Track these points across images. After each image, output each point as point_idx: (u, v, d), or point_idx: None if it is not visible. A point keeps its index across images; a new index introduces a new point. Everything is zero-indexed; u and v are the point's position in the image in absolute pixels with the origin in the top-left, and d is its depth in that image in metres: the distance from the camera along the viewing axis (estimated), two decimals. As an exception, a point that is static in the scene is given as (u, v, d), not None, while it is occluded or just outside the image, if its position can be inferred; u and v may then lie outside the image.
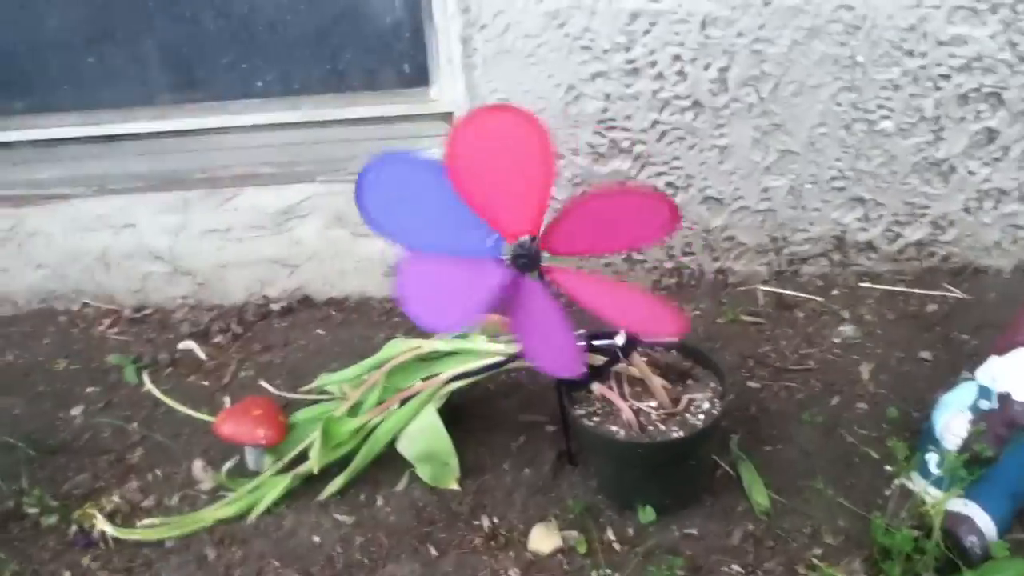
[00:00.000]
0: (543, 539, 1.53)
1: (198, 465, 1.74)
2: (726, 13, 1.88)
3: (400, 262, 1.42)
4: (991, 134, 1.98)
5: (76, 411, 1.94)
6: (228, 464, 1.71)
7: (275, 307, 2.23)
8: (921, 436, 1.58)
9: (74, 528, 1.63)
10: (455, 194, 1.39)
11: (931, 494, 1.49)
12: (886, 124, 1.98)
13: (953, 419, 1.49)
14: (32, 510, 1.67)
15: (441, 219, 1.43)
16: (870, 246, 2.13)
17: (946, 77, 1.92)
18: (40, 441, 1.83)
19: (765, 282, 2.17)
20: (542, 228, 1.40)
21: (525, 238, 1.39)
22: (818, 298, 2.09)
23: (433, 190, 1.41)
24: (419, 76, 2.14)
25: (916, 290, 2.09)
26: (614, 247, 1.54)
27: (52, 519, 1.65)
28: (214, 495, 1.69)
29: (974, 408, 1.48)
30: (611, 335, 1.57)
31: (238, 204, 2.16)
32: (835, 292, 2.11)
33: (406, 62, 2.14)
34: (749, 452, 1.65)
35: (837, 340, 1.95)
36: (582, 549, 1.51)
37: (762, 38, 1.90)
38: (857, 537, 1.48)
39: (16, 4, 2.08)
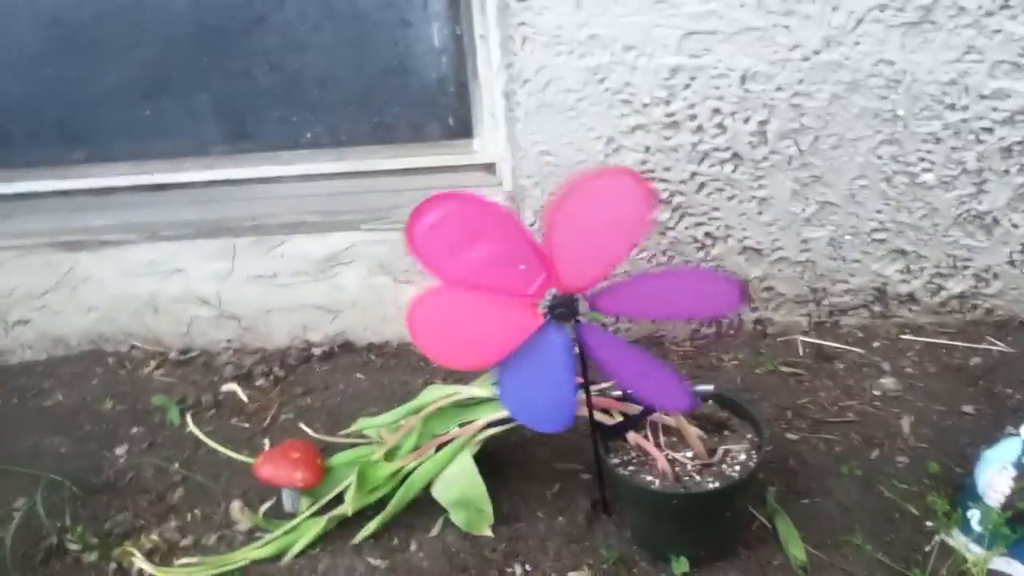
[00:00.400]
0: (576, 588, 1.53)
1: (236, 506, 1.76)
2: (765, 68, 1.90)
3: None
4: (1035, 187, 1.97)
5: (120, 451, 1.98)
6: (265, 505, 1.73)
7: (317, 351, 2.27)
8: (963, 492, 1.55)
9: (113, 566, 1.66)
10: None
11: (973, 551, 1.46)
12: (927, 177, 1.97)
13: (997, 475, 1.47)
14: (74, 547, 1.70)
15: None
16: (912, 298, 2.11)
17: (988, 130, 1.92)
18: (84, 480, 1.87)
19: (805, 333, 2.15)
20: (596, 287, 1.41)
21: (550, 291, 1.41)
22: (858, 350, 2.07)
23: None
24: (463, 129, 2.19)
25: (959, 343, 2.06)
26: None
27: (93, 556, 1.68)
28: (251, 536, 1.71)
29: (1018, 464, 1.46)
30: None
31: (284, 251, 2.21)
32: (876, 344, 2.09)
33: (450, 115, 2.20)
34: (786, 505, 1.63)
35: (877, 392, 1.93)
36: (615, 599, 1.50)
37: (801, 92, 1.92)
38: (896, 594, 1.46)
39: (78, 59, 2.17)
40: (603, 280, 1.40)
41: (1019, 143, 1.92)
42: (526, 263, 1.39)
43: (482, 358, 1.49)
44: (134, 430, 2.05)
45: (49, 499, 1.75)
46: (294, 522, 1.69)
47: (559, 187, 1.47)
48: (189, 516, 1.78)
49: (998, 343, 2.05)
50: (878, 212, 2.02)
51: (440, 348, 1.47)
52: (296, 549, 1.65)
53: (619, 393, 1.64)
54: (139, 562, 1.63)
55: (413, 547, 1.65)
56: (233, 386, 2.15)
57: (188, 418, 2.01)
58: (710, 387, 1.67)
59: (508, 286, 1.41)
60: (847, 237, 2.05)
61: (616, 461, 1.59)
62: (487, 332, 1.45)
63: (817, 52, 1.87)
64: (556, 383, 1.44)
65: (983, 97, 1.89)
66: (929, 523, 1.58)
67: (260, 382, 2.18)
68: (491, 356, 1.47)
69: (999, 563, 1.39)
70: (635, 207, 1.36)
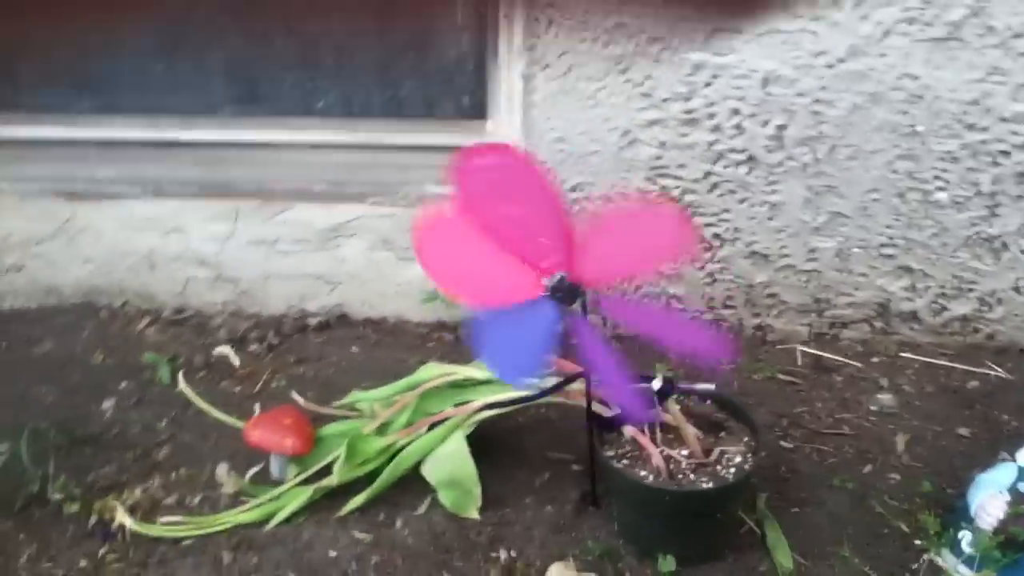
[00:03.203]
0: (560, 578, 1.51)
1: (222, 468, 1.74)
2: (789, 72, 1.89)
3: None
4: (1047, 215, 1.96)
5: (108, 404, 1.96)
6: (252, 471, 1.72)
7: (313, 322, 2.25)
8: (954, 513, 1.54)
9: (94, 518, 1.64)
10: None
11: (961, 573, 1.45)
12: (941, 196, 1.97)
13: (990, 499, 1.46)
14: (56, 496, 1.68)
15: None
16: (914, 316, 2.11)
17: (1006, 154, 1.91)
18: (70, 430, 1.85)
19: (805, 342, 2.15)
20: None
21: (558, 273, 1.40)
22: (857, 364, 2.07)
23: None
24: (477, 109, 2.17)
25: (958, 365, 2.06)
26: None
27: (74, 507, 1.66)
28: (235, 499, 1.69)
29: (1013, 490, 1.45)
30: (648, 379, 1.56)
31: (287, 218, 2.19)
32: (875, 359, 2.09)
33: (466, 95, 2.17)
34: (776, 512, 1.63)
35: (874, 408, 1.92)
36: (599, 592, 1.49)
37: (823, 99, 1.91)
38: (881, 609, 1.45)
39: (95, 7, 2.14)
40: (613, 287, 1.40)
41: (1035, 169, 1.92)
42: (550, 238, 1.38)
43: (473, 297, 1.50)
44: (123, 385, 2.03)
45: (33, 447, 1.73)
46: (280, 489, 1.67)
47: (616, 197, 1.48)
48: (174, 475, 1.76)
49: (997, 368, 2.05)
50: (888, 227, 2.01)
51: (439, 270, 1.49)
52: (281, 516, 1.63)
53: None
54: (121, 516, 1.61)
55: (399, 524, 1.63)
56: (226, 349, 2.13)
57: (180, 377, 1.99)
58: (711, 386, 1.66)
59: (524, 250, 1.41)
60: (855, 250, 2.04)
61: (610, 454, 1.58)
62: (487, 279, 1.46)
63: (842, 60, 1.86)
64: (532, 346, 1.43)
65: (1003, 120, 1.88)
66: (918, 541, 1.57)
67: (253, 347, 2.16)
68: (482, 300, 1.48)
69: (987, 586, 1.39)
70: (675, 244, 1.40)
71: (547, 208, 1.39)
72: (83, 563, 1.55)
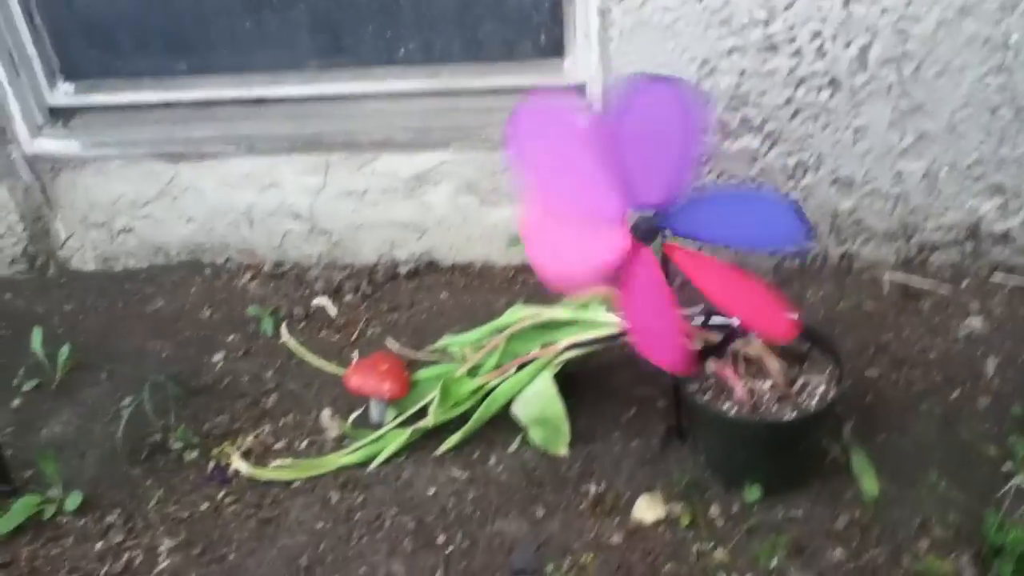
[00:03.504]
0: (648, 509, 1.57)
1: (326, 414, 1.85)
2: (870, -10, 1.83)
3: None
4: None
5: (218, 356, 2.09)
6: (354, 415, 1.82)
7: (403, 269, 2.32)
8: (1045, 436, 1.53)
9: (212, 464, 1.77)
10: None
11: (1051, 496, 1.45)
12: (1035, 109, 1.90)
13: (1081, 421, 1.45)
14: (176, 445, 1.81)
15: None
16: (1006, 237, 2.05)
17: (1106, 62, 1.83)
18: (185, 382, 1.98)
19: (892, 269, 2.11)
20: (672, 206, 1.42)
21: (649, 211, 1.42)
22: (946, 289, 2.03)
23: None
24: (554, 48, 2.17)
25: (1054, 286, 2.01)
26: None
27: (193, 455, 1.80)
28: (339, 443, 1.80)
29: (1105, 411, 1.43)
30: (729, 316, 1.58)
31: (375, 168, 2.26)
32: (965, 284, 2.04)
33: (543, 34, 2.18)
34: (862, 440, 1.64)
35: (963, 333, 1.90)
36: (685, 521, 1.54)
37: (908, 16, 1.85)
38: (968, 533, 1.47)
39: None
40: (676, 194, 1.41)
41: None
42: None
43: (550, 202, 1.51)
44: (230, 337, 2.15)
45: (154, 399, 1.86)
46: (380, 432, 1.77)
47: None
48: (282, 421, 1.87)
49: (1096, 286, 1.99)
50: (979, 145, 1.95)
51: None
52: (382, 457, 1.73)
53: (701, 319, 1.65)
54: (236, 462, 1.74)
55: (492, 461, 1.72)
56: (324, 300, 2.23)
57: (283, 328, 2.10)
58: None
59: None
60: (944, 171, 1.99)
61: (694, 388, 1.61)
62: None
63: (927, -27, 1.80)
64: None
65: (1105, 24, 1.80)
66: (1007, 465, 1.57)
67: (348, 297, 2.25)
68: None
69: (1077, 509, 1.38)
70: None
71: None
72: (204, 505, 1.69)
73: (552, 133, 1.48)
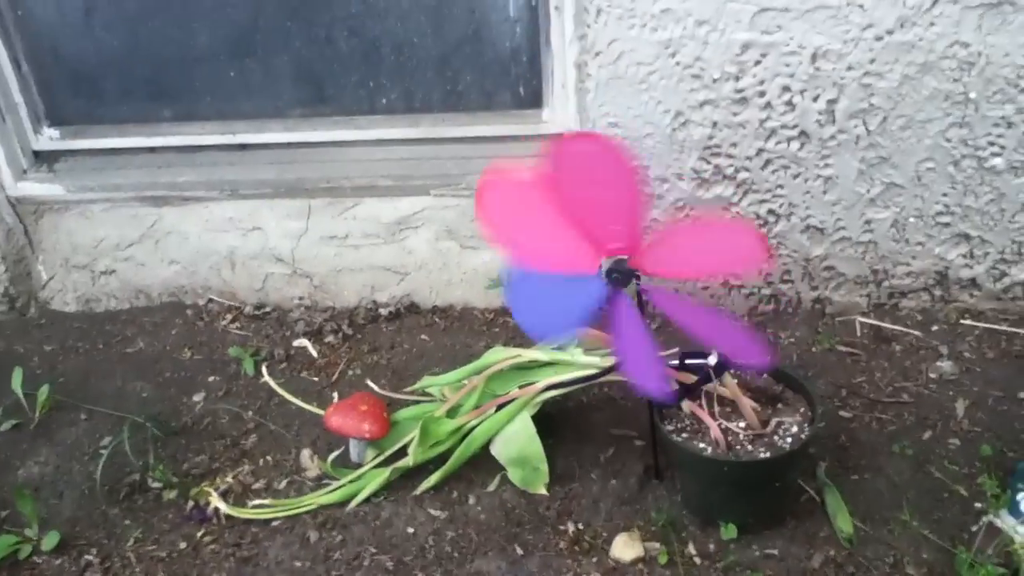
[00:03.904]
0: (626, 548, 1.58)
1: (306, 454, 1.86)
2: (837, 47, 1.90)
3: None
4: (1108, 176, 1.95)
5: (198, 397, 2.09)
6: (333, 455, 1.82)
7: (384, 312, 2.35)
8: (1013, 475, 1.57)
9: (191, 504, 1.77)
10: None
11: (1020, 533, 1.48)
12: (997, 161, 1.97)
13: (1048, 460, 1.48)
14: (155, 484, 1.81)
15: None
16: (974, 283, 2.11)
17: (1063, 117, 1.90)
18: (165, 423, 1.98)
19: (864, 313, 2.17)
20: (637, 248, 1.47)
21: (620, 257, 1.47)
22: (917, 332, 2.08)
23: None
24: (533, 99, 2.24)
25: (1020, 330, 2.05)
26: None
27: (172, 494, 1.79)
28: (319, 482, 1.81)
29: (1071, 450, 1.47)
30: (704, 355, 1.61)
31: (357, 213, 2.29)
32: (935, 328, 2.10)
33: (522, 85, 2.24)
34: (836, 480, 1.67)
35: (934, 375, 1.94)
36: (663, 560, 1.56)
37: (872, 72, 1.92)
38: (940, 571, 1.49)
39: (168, 20, 2.27)
40: (639, 241, 1.46)
41: (1094, 130, 1.91)
42: (624, 225, 1.45)
43: (524, 257, 1.57)
44: (211, 378, 2.16)
45: (132, 439, 1.86)
46: (360, 471, 1.78)
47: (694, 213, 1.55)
48: (262, 461, 1.88)
49: (1061, 331, 2.05)
50: (944, 195, 2.02)
51: (496, 223, 1.57)
52: (361, 496, 1.73)
53: (675, 362, 1.69)
54: (215, 501, 1.74)
55: (471, 500, 1.73)
56: (304, 341, 2.24)
57: (263, 369, 2.11)
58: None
59: (593, 231, 1.48)
60: (911, 219, 2.06)
61: (670, 428, 1.64)
62: (543, 244, 1.53)
63: (890, 32, 1.87)
64: (568, 313, 1.52)
65: (1059, 82, 1.88)
66: (978, 504, 1.60)
67: (330, 339, 2.27)
68: (533, 262, 1.56)
69: (1045, 545, 1.41)
70: (747, 259, 1.44)
71: (627, 196, 1.45)
72: (182, 545, 1.68)
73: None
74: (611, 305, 1.49)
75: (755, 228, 1.45)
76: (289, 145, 2.35)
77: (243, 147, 2.37)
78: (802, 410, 1.65)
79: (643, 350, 1.50)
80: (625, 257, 1.48)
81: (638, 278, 1.50)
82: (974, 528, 1.55)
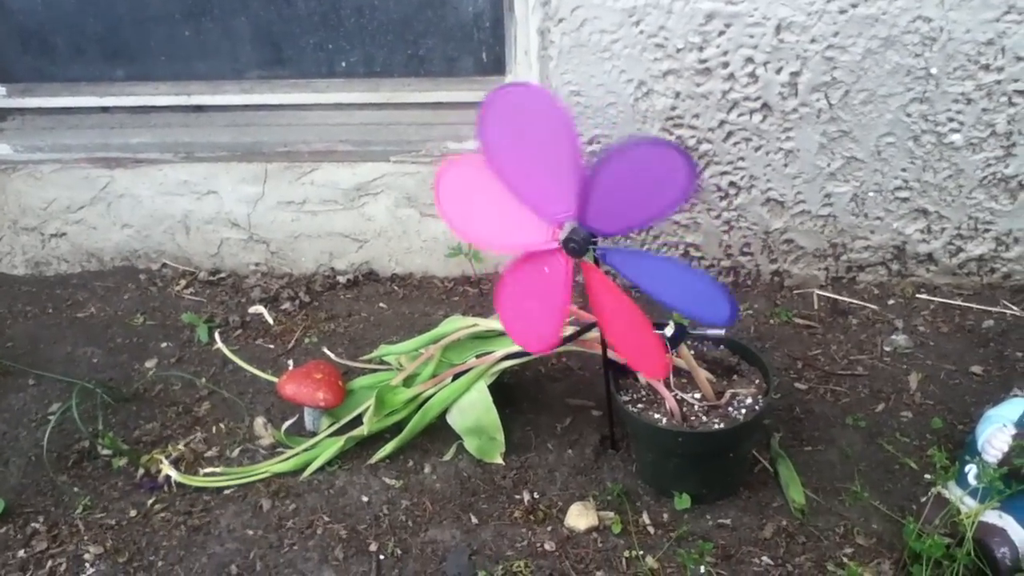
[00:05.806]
0: (580, 517, 1.59)
1: (260, 422, 1.84)
2: (801, 19, 1.90)
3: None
4: (1063, 154, 1.97)
5: (150, 364, 2.06)
6: (287, 423, 1.81)
7: (342, 279, 2.32)
8: (963, 448, 1.59)
9: (141, 471, 1.74)
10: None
11: (967, 504, 1.50)
12: (955, 137, 1.98)
13: (996, 433, 1.50)
14: (105, 452, 1.78)
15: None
16: (930, 258, 2.13)
17: (1022, 93, 1.91)
18: (115, 389, 1.95)
19: (821, 287, 2.18)
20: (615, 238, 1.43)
21: (569, 223, 1.44)
22: (873, 306, 2.10)
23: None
24: (496, 65, 2.21)
25: (974, 305, 2.08)
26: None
27: (122, 461, 1.76)
28: (272, 451, 1.79)
29: (1019, 424, 1.49)
30: (660, 326, 1.61)
31: (314, 178, 2.26)
32: (891, 301, 2.12)
33: (484, 51, 2.21)
34: (789, 451, 1.68)
35: (888, 349, 1.96)
36: (617, 529, 1.56)
37: (836, 45, 1.92)
38: (889, 540, 1.51)
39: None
40: (625, 236, 1.43)
41: (1052, 108, 1.92)
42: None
43: (486, 243, 1.58)
44: (164, 345, 2.12)
45: (82, 405, 1.82)
46: (314, 440, 1.76)
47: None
48: (214, 429, 1.85)
49: (1013, 307, 2.07)
50: (903, 170, 2.03)
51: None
52: (315, 465, 1.72)
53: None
54: (166, 469, 1.71)
55: (427, 470, 1.72)
56: (260, 308, 2.21)
57: (216, 336, 2.08)
58: (721, 332, 1.71)
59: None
60: (870, 194, 2.06)
61: (626, 399, 1.64)
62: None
63: (854, 5, 1.87)
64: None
65: (1020, 59, 1.88)
66: (928, 476, 1.63)
67: (286, 306, 2.24)
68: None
69: (991, 516, 1.43)
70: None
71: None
72: (132, 513, 1.65)
73: (468, 183, 1.53)
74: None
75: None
76: (246, 108, 2.31)
77: (198, 109, 2.32)
78: (757, 382, 1.65)
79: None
80: (575, 223, 1.44)
81: (595, 242, 1.43)
82: (923, 499, 1.57)
